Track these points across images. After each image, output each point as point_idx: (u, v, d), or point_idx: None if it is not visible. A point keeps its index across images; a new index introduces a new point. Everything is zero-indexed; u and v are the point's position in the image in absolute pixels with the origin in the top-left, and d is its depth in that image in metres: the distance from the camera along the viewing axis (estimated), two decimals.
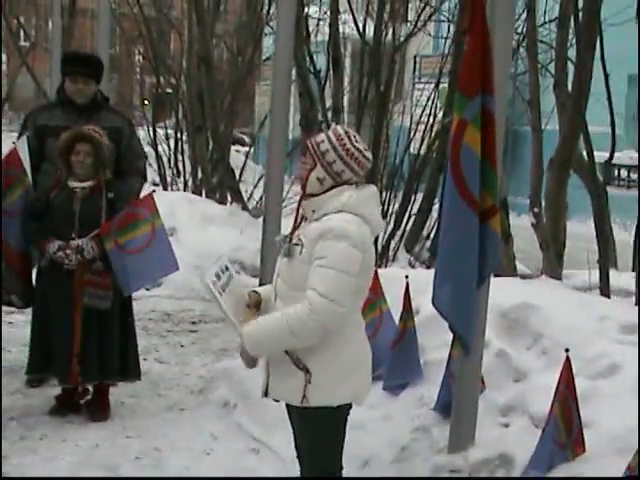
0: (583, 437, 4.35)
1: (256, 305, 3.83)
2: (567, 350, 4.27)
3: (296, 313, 3.47)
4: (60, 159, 5.53)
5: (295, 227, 3.71)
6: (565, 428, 4.29)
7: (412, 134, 12.22)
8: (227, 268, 3.87)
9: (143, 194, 5.91)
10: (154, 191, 5.91)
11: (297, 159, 5.82)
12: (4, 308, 6.12)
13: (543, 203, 7.85)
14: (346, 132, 3.65)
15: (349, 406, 3.78)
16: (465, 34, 4.65)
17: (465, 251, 4.41)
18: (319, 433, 3.75)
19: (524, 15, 8.75)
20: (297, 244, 3.60)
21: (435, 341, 5.47)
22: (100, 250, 5.49)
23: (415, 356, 5.45)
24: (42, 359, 5.73)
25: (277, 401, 3.83)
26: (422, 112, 11.97)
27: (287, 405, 3.81)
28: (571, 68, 7.72)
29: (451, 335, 4.84)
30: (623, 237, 9.86)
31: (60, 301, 5.57)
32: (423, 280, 5.64)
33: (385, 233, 11.11)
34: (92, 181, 5.51)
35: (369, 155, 3.66)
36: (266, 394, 3.81)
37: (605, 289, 7.03)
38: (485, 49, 4.38)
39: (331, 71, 11.22)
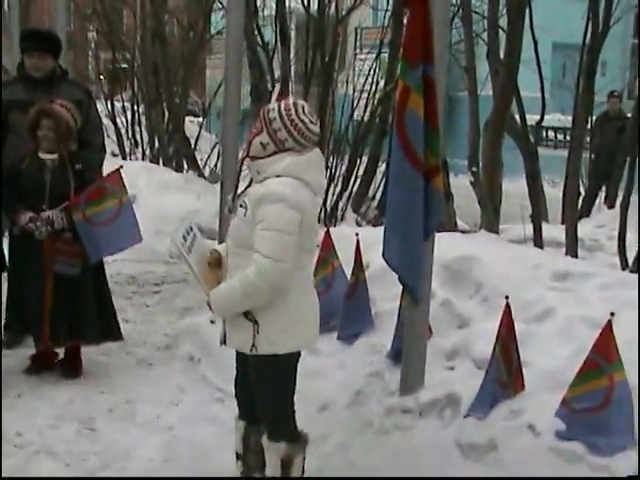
0: (522, 376, 4.46)
1: (217, 263, 3.89)
2: (507, 297, 4.37)
3: (246, 277, 3.58)
4: (29, 134, 5.48)
5: (237, 188, 3.78)
6: (506, 368, 4.39)
7: (356, 102, 12.23)
8: (191, 229, 3.91)
9: (111, 168, 5.87)
10: (121, 166, 5.87)
11: (248, 128, 5.84)
12: None
13: (480, 163, 7.95)
14: (295, 103, 3.69)
15: (297, 354, 3.86)
16: (405, 7, 4.67)
17: (411, 208, 4.48)
18: (270, 379, 3.84)
19: None
20: (242, 205, 3.67)
21: (385, 293, 5.55)
22: (69, 221, 5.46)
23: (367, 307, 5.53)
24: (18, 322, 5.72)
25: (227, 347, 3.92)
26: (365, 81, 11.97)
27: (239, 352, 3.91)
28: (503, 36, 7.79)
29: (400, 287, 4.93)
30: (552, 193, 10.02)
31: (32, 269, 5.54)
32: (372, 237, 5.71)
33: (333, 195, 11.17)
34: (61, 151, 5.47)
35: (314, 128, 3.69)
36: (224, 343, 3.91)
37: (538, 241, 7.16)
38: (425, 20, 4.42)
39: (279, 44, 11.15)
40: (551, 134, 17.72)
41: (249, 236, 3.60)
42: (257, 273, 3.55)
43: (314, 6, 11.44)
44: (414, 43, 4.43)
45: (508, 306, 4.36)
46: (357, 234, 5.52)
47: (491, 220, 7.34)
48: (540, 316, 5.10)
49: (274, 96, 6.06)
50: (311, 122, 3.68)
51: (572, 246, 6.90)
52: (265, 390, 3.87)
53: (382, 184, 10.76)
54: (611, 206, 11.18)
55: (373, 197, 11.37)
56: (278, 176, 3.61)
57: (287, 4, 11.31)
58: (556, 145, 17.02)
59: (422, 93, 4.42)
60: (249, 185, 3.75)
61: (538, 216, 7.30)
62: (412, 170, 4.44)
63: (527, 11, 7.20)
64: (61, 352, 5.90)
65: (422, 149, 4.44)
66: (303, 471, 4.00)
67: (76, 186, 5.46)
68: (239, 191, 3.79)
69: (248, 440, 4.04)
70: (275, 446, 3.89)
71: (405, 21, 4.82)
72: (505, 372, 4.39)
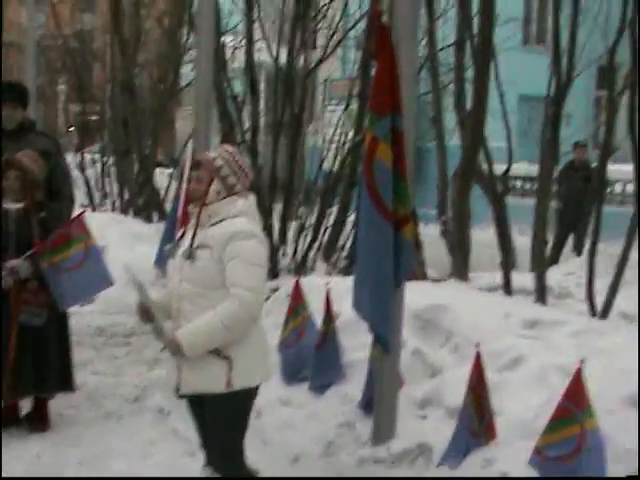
0: (494, 424, 4.44)
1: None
2: (477, 345, 4.37)
3: (228, 310, 3.67)
4: None
5: (194, 236, 3.82)
6: (477, 417, 4.38)
7: (325, 152, 12.29)
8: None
9: (74, 215, 5.85)
10: (84, 211, 5.86)
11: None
12: None
13: (450, 212, 8.00)
14: (236, 150, 3.96)
15: (258, 387, 3.94)
16: (373, 59, 4.73)
17: (381, 257, 4.49)
18: (236, 416, 3.90)
19: (425, 40, 8.90)
20: (203, 247, 3.75)
21: (355, 343, 5.53)
22: (35, 269, 5.41)
23: (337, 357, 5.50)
24: None
25: (182, 397, 3.95)
26: (333, 132, 12.05)
27: (195, 400, 3.92)
28: (469, 89, 7.90)
29: (370, 337, 4.91)
30: (520, 241, 10.06)
31: None
32: (343, 287, 5.71)
33: (303, 245, 11.16)
34: (25, 201, 5.44)
35: (250, 172, 3.96)
36: (177, 391, 3.90)
37: (507, 288, 7.19)
38: (392, 72, 4.48)
39: (248, 95, 11.23)
40: (518, 183, 17.89)
41: (215, 276, 3.73)
42: (240, 305, 3.67)
43: (282, 59, 11.55)
44: (382, 94, 4.48)
45: (478, 355, 4.36)
46: (327, 284, 5.51)
47: (461, 268, 7.37)
48: (511, 364, 5.09)
49: (188, 150, 6.16)
50: (247, 167, 3.94)
51: (541, 294, 6.94)
52: (225, 427, 3.89)
53: (352, 234, 10.78)
54: (579, 253, 11.28)
55: (343, 247, 11.37)
56: (235, 217, 3.79)
57: (256, 57, 11.42)
58: (523, 193, 17.18)
59: (390, 143, 4.46)
60: (196, 229, 3.82)
61: (507, 263, 7.34)
62: (381, 220, 4.46)
63: (492, 63, 7.30)
64: (27, 406, 5.80)
65: (391, 199, 4.47)
66: None
67: (41, 235, 5.42)
68: (186, 238, 3.88)
69: None
70: None
71: (373, 73, 4.87)
72: (477, 421, 4.37)
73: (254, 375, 3.86)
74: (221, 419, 3.88)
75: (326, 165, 12.09)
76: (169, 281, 3.94)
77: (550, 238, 10.19)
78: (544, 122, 8.46)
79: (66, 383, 5.80)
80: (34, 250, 5.39)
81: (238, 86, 12.18)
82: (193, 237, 3.82)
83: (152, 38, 16.53)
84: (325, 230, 11.41)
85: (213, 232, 3.77)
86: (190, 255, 3.77)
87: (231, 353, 3.74)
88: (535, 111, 12.89)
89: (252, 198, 3.93)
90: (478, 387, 4.37)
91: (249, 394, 3.88)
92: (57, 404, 5.90)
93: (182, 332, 3.74)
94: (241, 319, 3.70)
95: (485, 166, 7.81)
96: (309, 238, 11.23)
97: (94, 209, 14.25)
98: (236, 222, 3.77)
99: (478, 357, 4.36)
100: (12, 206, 5.43)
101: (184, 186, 5.73)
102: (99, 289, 5.87)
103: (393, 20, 4.70)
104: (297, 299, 5.74)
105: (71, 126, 20.15)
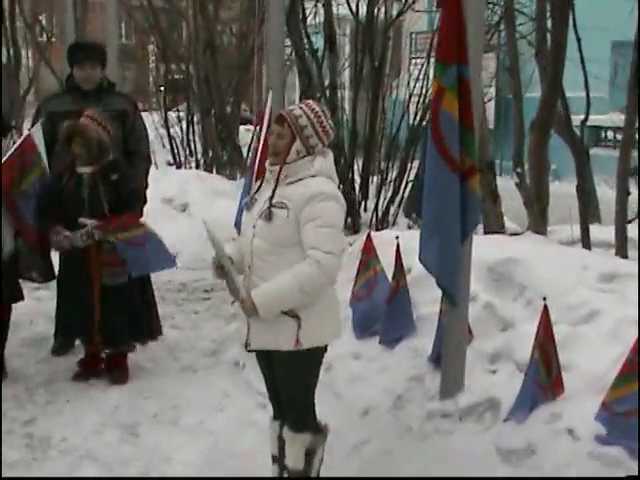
0: (562, 379, 4.35)
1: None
2: (544, 299, 4.27)
3: (306, 273, 3.62)
4: (64, 149, 5.55)
5: (272, 192, 3.75)
6: (545, 371, 4.29)
7: (408, 106, 12.12)
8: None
9: (163, 177, 5.95)
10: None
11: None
12: (30, 284, 6.18)
13: (526, 164, 7.81)
14: (322, 110, 3.83)
15: (327, 346, 3.93)
16: (440, 6, 4.61)
17: (447, 209, 4.41)
18: (306, 373, 3.90)
19: None
20: (280, 207, 3.68)
21: (426, 297, 5.46)
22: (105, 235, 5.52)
23: (408, 311, 5.46)
24: (66, 330, 5.82)
25: (252, 352, 3.96)
26: (414, 85, 11.86)
27: (264, 354, 3.92)
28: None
29: (441, 291, 4.85)
30: (609, 194, 9.76)
31: (79, 280, 5.61)
32: (414, 241, 5.64)
33: (385, 199, 11.10)
34: (96, 165, 5.51)
35: (334, 130, 3.87)
36: (247, 345, 3.90)
37: (586, 242, 7.00)
38: (459, 20, 4.35)
39: (327, 50, 11.15)
40: (610, 134, 17.35)
41: (290, 235, 3.67)
42: (319, 268, 3.59)
43: (363, 12, 11.41)
44: (448, 43, 4.37)
45: (546, 308, 4.26)
46: (397, 237, 5.45)
47: (538, 221, 7.20)
48: (586, 318, 4.97)
49: (268, 102, 6.05)
50: (332, 126, 3.83)
51: (621, 246, 6.73)
52: (295, 383, 3.91)
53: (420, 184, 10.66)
54: None
55: None
56: (313, 176, 3.71)
57: (336, 11, 11.31)
58: (615, 145, 16.62)
59: (456, 93, 4.36)
60: (275, 188, 3.75)
61: (586, 216, 7.13)
62: (448, 171, 4.37)
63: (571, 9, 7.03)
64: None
65: (457, 150, 4.37)
66: (321, 462, 4.06)
67: (111, 199, 5.50)
68: (262, 194, 3.83)
69: (283, 440, 4.04)
70: (299, 437, 3.95)
71: (439, 21, 4.76)
72: (544, 375, 4.28)
73: (323, 334, 3.83)
74: (290, 376, 3.89)
75: (409, 119, 11.94)
76: (242, 235, 3.92)
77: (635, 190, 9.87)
78: (631, 69, 8.14)
79: (154, 332, 5.98)
80: (102, 220, 5.47)
81: (320, 41, 12.08)
82: (272, 196, 3.75)
83: None
84: (407, 184, 11.31)
85: (290, 191, 3.70)
86: (267, 214, 3.71)
87: (300, 312, 3.71)
88: (623, 58, 12.39)
89: (330, 156, 3.83)
90: (545, 341, 4.28)
91: (317, 352, 3.86)
92: (137, 357, 6.06)
93: (257, 293, 3.69)
94: (319, 282, 3.65)
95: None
96: (390, 193, 11.16)
97: (179, 166, 14.44)
98: (315, 182, 3.69)
99: (546, 310, 4.26)
100: (84, 170, 5.52)
101: (262, 139, 5.73)
102: (163, 267, 5.91)
103: None
104: (369, 253, 5.71)
105: (161, 85, 20.41)
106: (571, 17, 6.85)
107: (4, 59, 17.95)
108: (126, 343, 5.85)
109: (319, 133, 3.73)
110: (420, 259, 4.59)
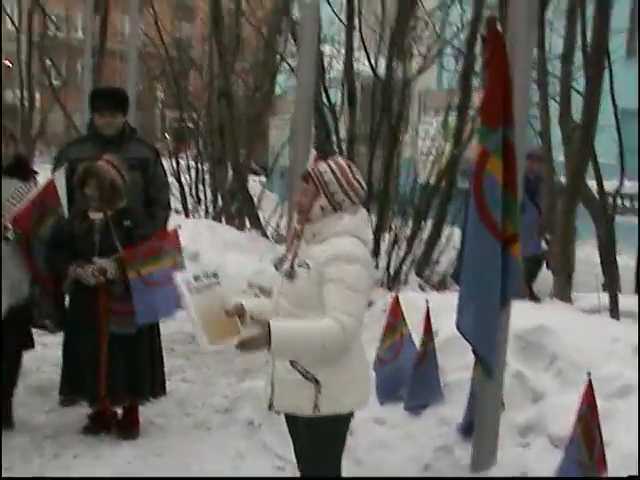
0: (605, 458, 4.17)
1: (238, 315, 3.61)
2: (589, 374, 4.11)
3: (329, 329, 3.41)
4: (78, 192, 5.43)
5: (295, 251, 3.64)
6: (587, 449, 4.11)
7: (420, 165, 12.11)
8: (215, 276, 3.66)
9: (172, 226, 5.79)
10: (180, 226, 5.78)
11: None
12: (38, 330, 6.00)
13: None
14: (348, 165, 3.67)
15: (352, 413, 3.74)
16: (486, 67, 4.53)
17: (488, 276, 4.28)
18: (327, 441, 3.71)
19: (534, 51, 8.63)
20: (302, 266, 3.55)
21: (454, 363, 5.33)
22: (121, 273, 5.36)
23: (435, 377, 5.30)
24: (72, 383, 5.61)
25: (278, 413, 3.80)
26: (430, 144, 11.85)
27: (290, 417, 3.77)
28: (575, 100, 7.59)
29: (470, 357, 4.70)
30: (624, 262, 9.66)
31: (86, 328, 5.44)
32: (440, 303, 5.51)
33: (397, 257, 10.97)
34: (109, 210, 5.39)
35: (365, 187, 3.70)
36: (270, 407, 3.75)
37: (615, 311, 6.88)
38: (505, 82, 4.27)
39: (346, 104, 11.13)
40: (627, 202, 17.31)
41: (311, 296, 3.51)
42: (342, 329, 3.39)
43: (380, 69, 11.43)
44: (494, 105, 4.27)
45: (590, 383, 4.09)
46: (427, 301, 5.31)
47: (564, 288, 7.08)
48: (620, 392, 4.83)
49: (311, 158, 5.94)
50: (361, 182, 3.66)
51: None
52: (318, 451, 3.73)
53: (446, 248, 10.56)
54: None
55: (437, 261, 11.14)
56: (340, 235, 3.55)
57: (354, 66, 11.31)
58: (623, 212, 16.58)
59: (501, 157, 4.25)
60: (297, 246, 3.64)
61: (613, 286, 7.01)
62: (490, 237, 4.25)
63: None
64: (119, 412, 5.77)
65: (500, 216, 4.26)
66: None
67: (123, 244, 5.35)
68: (283, 252, 3.71)
69: None
70: None
71: (478, 83, 4.67)
72: (586, 453, 4.11)
73: (345, 401, 3.61)
74: (311, 442, 3.72)
75: (421, 177, 11.90)
76: (272, 293, 3.77)
77: None
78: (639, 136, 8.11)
79: (158, 389, 5.76)
80: (124, 257, 5.33)
81: (333, 95, 12.09)
82: (294, 255, 3.63)
83: (249, 45, 16.64)
84: (419, 243, 11.20)
85: (315, 250, 3.54)
86: (289, 273, 3.58)
87: (319, 376, 3.54)
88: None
89: (362, 214, 3.66)
90: (588, 417, 4.10)
91: (340, 420, 3.65)
92: (147, 411, 5.87)
93: (277, 324, 3.45)
94: (340, 342, 3.43)
95: (592, 183, 7.48)
96: (402, 251, 11.04)
97: (187, 215, 14.35)
98: (340, 242, 3.51)
99: (590, 385, 4.10)
100: (96, 216, 5.39)
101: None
102: (175, 311, 5.64)
103: (507, 27, 4.49)
104: (395, 315, 5.56)
105: (166, 132, 20.49)
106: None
107: (17, 102, 17.98)
108: (137, 397, 5.65)
109: (345, 188, 3.57)
110: (457, 326, 4.45)
